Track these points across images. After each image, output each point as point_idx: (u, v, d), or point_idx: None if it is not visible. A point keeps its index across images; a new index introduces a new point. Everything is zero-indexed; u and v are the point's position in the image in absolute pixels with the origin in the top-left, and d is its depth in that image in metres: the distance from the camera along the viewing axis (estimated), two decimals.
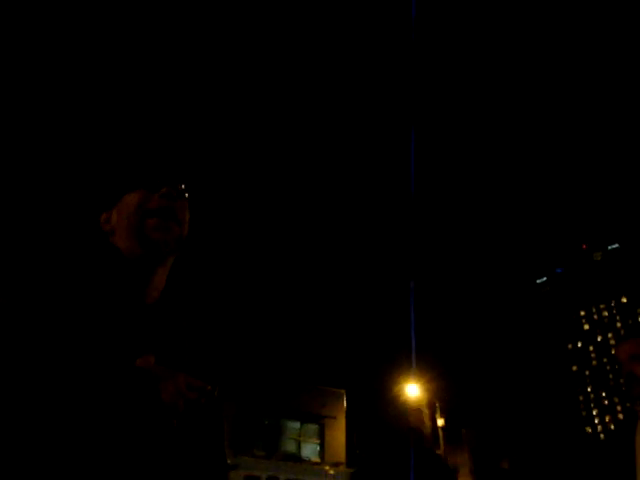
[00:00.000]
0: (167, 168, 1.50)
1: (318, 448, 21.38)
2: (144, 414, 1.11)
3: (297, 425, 21.29)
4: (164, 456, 1.16)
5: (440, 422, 21.55)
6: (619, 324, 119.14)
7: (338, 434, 21.90)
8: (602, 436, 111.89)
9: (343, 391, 22.97)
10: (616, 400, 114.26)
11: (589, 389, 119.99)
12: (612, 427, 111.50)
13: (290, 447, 20.96)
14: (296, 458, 20.76)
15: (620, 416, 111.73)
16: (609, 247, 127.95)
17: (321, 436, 21.51)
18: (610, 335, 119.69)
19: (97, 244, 1.42)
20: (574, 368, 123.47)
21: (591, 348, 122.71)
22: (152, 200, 1.40)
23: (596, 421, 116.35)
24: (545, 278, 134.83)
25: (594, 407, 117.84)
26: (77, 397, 1.05)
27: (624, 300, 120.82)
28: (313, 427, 21.56)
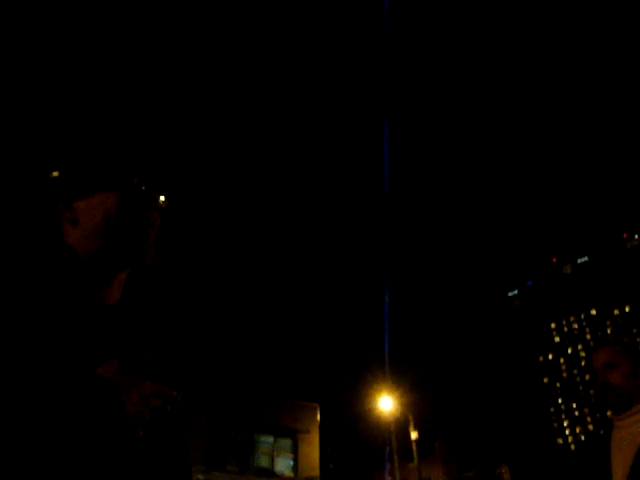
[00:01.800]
0: (139, 171, 1.40)
1: (292, 462, 21.19)
2: (107, 426, 1.04)
3: (270, 439, 21.08)
4: (131, 469, 1.11)
5: (414, 435, 21.61)
6: (589, 336, 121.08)
7: (312, 448, 21.76)
8: (573, 447, 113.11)
9: (316, 405, 22.86)
10: (586, 411, 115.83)
11: (560, 400, 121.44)
12: (583, 438, 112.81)
13: (263, 462, 20.73)
14: (269, 473, 20.54)
15: (590, 427, 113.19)
16: (578, 260, 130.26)
17: (295, 450, 21.33)
18: (580, 347, 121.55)
19: (49, 241, 1.32)
20: (545, 380, 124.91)
21: (562, 360, 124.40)
22: (143, 209, 1.34)
23: (567, 432, 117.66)
24: (516, 291, 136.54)
25: (565, 418, 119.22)
26: (33, 411, 0.98)
27: (593, 312, 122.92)
28: (286, 441, 21.37)
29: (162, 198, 1.39)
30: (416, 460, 21.33)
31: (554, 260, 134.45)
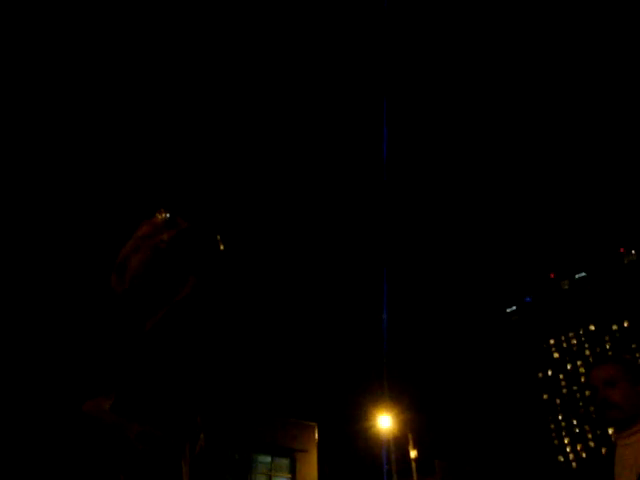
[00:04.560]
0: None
1: None
2: (85, 466, 1.02)
3: (268, 459, 20.85)
4: None
5: (413, 454, 21.38)
6: (588, 352, 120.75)
7: (310, 467, 21.51)
8: (574, 465, 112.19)
9: (314, 424, 22.65)
10: (587, 428, 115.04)
11: (560, 417, 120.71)
12: (584, 455, 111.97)
13: None
14: None
15: (591, 444, 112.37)
16: (576, 276, 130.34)
17: (292, 470, 21.08)
18: (579, 363, 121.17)
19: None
20: (545, 396, 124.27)
21: (561, 376, 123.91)
22: (153, 237, 1.32)
23: (568, 449, 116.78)
24: (514, 307, 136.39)
25: (565, 435, 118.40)
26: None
27: (592, 328, 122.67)
28: (284, 461, 21.13)
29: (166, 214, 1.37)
30: (415, 478, 21.09)
31: (552, 276, 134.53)
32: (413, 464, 21.14)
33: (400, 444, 22.12)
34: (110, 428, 1.03)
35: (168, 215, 1.35)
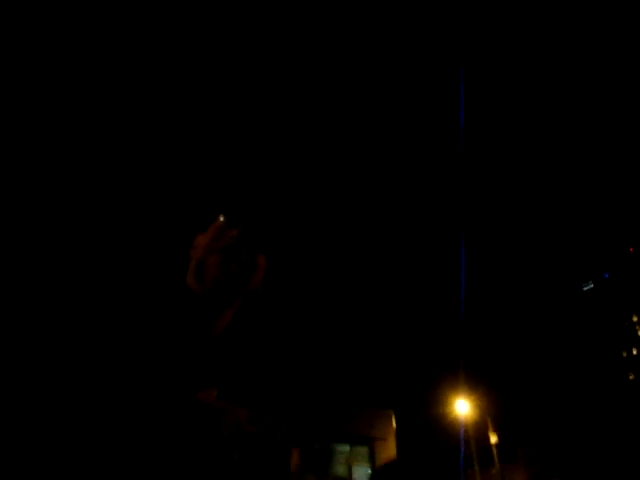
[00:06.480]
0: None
1: (369, 470, 21.05)
2: (203, 448, 1.11)
3: (347, 448, 21.02)
4: None
5: (493, 439, 21.04)
6: None
7: (389, 455, 21.55)
8: None
9: (391, 411, 22.65)
10: None
11: None
12: None
13: (341, 471, 20.68)
14: None
15: None
16: None
17: (371, 458, 21.18)
18: None
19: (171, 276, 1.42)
20: (631, 377, 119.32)
21: None
22: (222, 238, 1.39)
23: None
24: (592, 284, 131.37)
25: None
26: (135, 429, 1.05)
27: None
28: (363, 449, 21.25)
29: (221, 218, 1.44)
30: (497, 465, 20.76)
31: (631, 250, 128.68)
32: (494, 450, 20.81)
33: (480, 429, 21.81)
34: (223, 413, 1.14)
35: (225, 219, 1.44)
